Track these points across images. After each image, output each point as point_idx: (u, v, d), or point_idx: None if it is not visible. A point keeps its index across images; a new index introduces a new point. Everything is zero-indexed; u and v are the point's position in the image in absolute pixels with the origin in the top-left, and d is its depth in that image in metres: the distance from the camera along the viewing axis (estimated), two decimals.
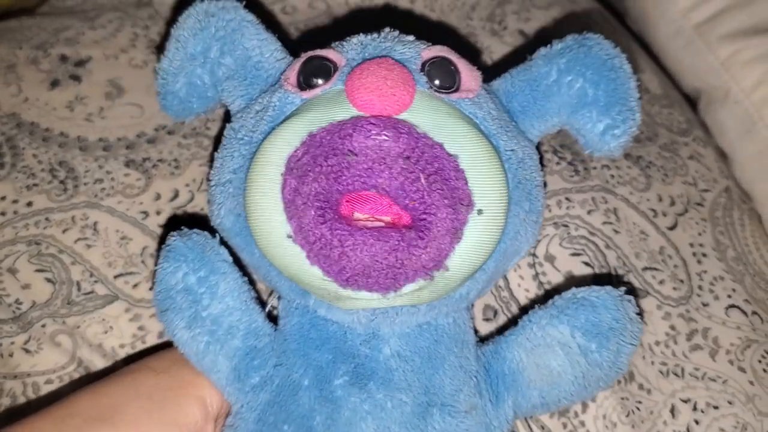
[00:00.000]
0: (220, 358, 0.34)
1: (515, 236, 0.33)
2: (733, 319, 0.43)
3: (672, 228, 0.45)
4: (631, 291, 0.36)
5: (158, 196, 0.44)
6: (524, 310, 0.40)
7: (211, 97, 0.38)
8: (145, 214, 0.43)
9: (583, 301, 0.34)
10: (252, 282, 0.36)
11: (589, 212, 0.44)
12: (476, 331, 0.38)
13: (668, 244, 0.45)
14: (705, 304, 0.43)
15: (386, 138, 0.30)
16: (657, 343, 0.41)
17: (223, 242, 0.35)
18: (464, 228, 0.30)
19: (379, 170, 0.29)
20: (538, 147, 0.37)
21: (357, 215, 0.31)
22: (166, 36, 0.38)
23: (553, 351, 0.34)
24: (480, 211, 0.30)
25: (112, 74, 0.49)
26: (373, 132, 0.30)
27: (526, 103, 0.36)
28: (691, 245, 0.45)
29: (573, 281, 0.42)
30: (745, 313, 0.44)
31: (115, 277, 0.41)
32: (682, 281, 0.44)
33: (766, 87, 0.51)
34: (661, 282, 0.43)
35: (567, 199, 0.44)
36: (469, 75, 0.34)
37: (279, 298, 0.36)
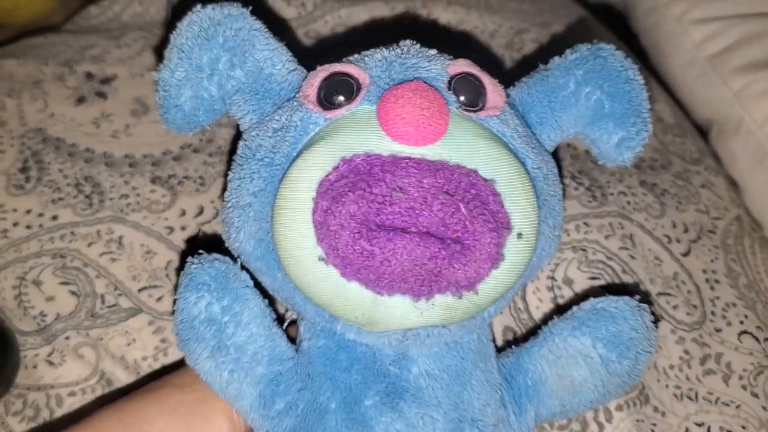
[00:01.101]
0: (245, 386, 0.33)
1: (541, 253, 0.34)
2: (745, 345, 0.44)
3: (686, 254, 0.46)
4: (644, 300, 0.37)
5: (183, 212, 0.44)
6: (543, 320, 0.41)
7: (218, 110, 0.35)
8: (170, 229, 0.44)
9: (602, 312, 0.35)
10: (271, 302, 0.36)
11: (606, 237, 0.45)
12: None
13: (682, 270, 0.46)
14: (718, 330, 0.44)
15: (426, 178, 0.29)
16: (671, 367, 0.42)
17: (242, 265, 0.35)
18: (504, 252, 0.30)
19: (420, 210, 0.29)
20: (555, 157, 0.37)
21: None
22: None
23: (575, 362, 0.35)
24: (520, 235, 0.30)
25: (138, 92, 0.50)
26: (413, 172, 0.29)
27: (544, 114, 0.36)
28: (704, 272, 0.46)
29: (591, 291, 0.43)
30: (757, 339, 0.44)
31: (140, 290, 0.42)
32: (695, 307, 0.44)
33: None
34: (675, 307, 0.44)
35: (585, 224, 0.45)
36: (494, 91, 0.34)
37: (301, 319, 0.36)
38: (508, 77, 0.38)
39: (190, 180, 0.46)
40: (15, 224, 0.44)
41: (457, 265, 0.29)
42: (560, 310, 0.42)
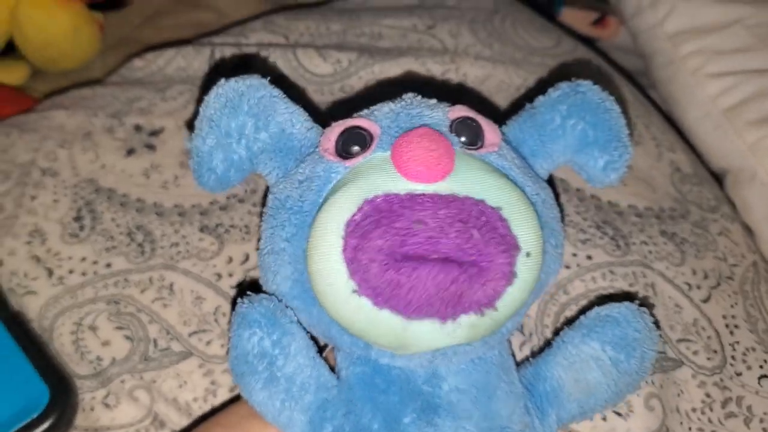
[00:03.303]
0: (295, 414, 0.36)
1: (547, 269, 0.37)
2: (765, 389, 0.46)
3: (705, 301, 0.49)
4: (644, 303, 0.41)
5: (230, 260, 0.47)
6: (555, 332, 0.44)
7: (246, 169, 0.39)
8: (218, 276, 0.46)
9: (607, 317, 0.39)
10: (313, 336, 0.38)
11: (630, 285, 0.47)
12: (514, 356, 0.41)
13: (702, 317, 0.48)
14: (738, 374, 0.46)
15: (441, 208, 0.32)
16: (693, 410, 0.44)
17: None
18: (516, 270, 0.32)
19: (438, 238, 0.32)
20: (551, 185, 0.41)
21: None
22: None
23: (588, 365, 0.38)
24: (528, 254, 0.33)
25: (185, 144, 0.52)
26: (428, 205, 0.32)
27: (535, 147, 0.40)
28: (724, 317, 0.48)
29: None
30: None
31: (190, 334, 0.44)
32: (715, 352, 0.47)
33: None
34: (695, 353, 0.46)
35: (611, 272, 0.47)
36: (490, 130, 0.37)
37: (337, 350, 0.38)
38: (501, 117, 0.42)
39: (236, 228, 0.48)
40: (71, 271, 0.46)
41: (477, 286, 0.32)
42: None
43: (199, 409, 0.43)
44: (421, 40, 0.62)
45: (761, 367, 0.47)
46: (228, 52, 0.59)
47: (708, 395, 0.45)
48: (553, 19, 0.82)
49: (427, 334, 0.33)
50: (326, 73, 0.58)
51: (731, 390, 0.45)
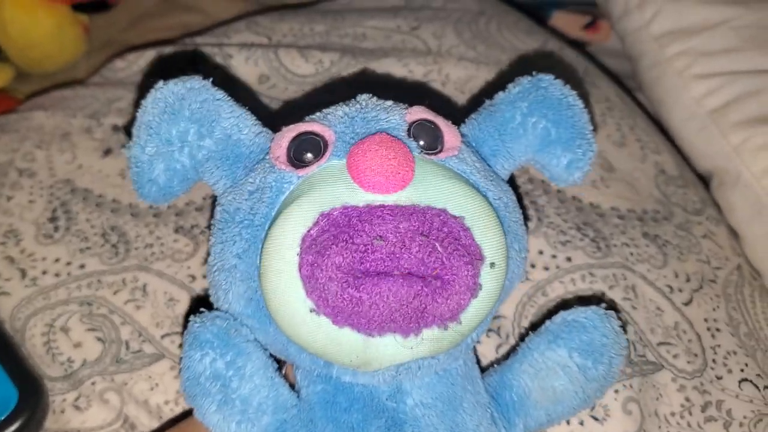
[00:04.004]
0: None
1: (512, 276, 0.36)
2: (746, 392, 0.45)
3: (687, 304, 0.48)
4: (611, 307, 0.40)
5: (205, 261, 0.46)
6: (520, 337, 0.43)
7: (191, 178, 0.37)
8: (192, 277, 0.46)
9: (573, 323, 0.38)
10: (272, 353, 0.37)
11: (610, 287, 0.46)
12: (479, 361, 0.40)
13: (683, 320, 0.47)
14: (719, 377, 0.46)
15: (402, 224, 0.31)
16: (672, 414, 0.43)
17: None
18: (480, 282, 0.31)
19: (400, 254, 0.30)
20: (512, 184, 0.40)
21: None
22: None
23: (555, 373, 0.37)
24: (492, 264, 0.32)
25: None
26: (389, 220, 0.31)
27: (496, 147, 0.39)
28: (706, 320, 0.48)
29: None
30: (757, 387, 0.46)
31: (162, 336, 0.44)
32: (696, 355, 0.46)
33: None
34: (676, 356, 0.45)
35: (590, 274, 0.47)
36: (450, 133, 0.36)
37: (297, 368, 0.37)
38: (460, 114, 0.40)
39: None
40: (44, 272, 0.46)
41: (440, 300, 0.30)
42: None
43: (171, 411, 0.42)
44: (405, 41, 0.61)
45: (742, 370, 0.46)
46: (210, 52, 0.58)
47: (687, 399, 0.44)
48: (544, 23, 0.82)
49: (390, 349, 0.32)
50: (308, 73, 0.58)
51: (711, 394, 0.45)
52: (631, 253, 0.49)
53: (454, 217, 0.31)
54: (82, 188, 0.50)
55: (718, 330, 0.48)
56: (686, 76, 0.60)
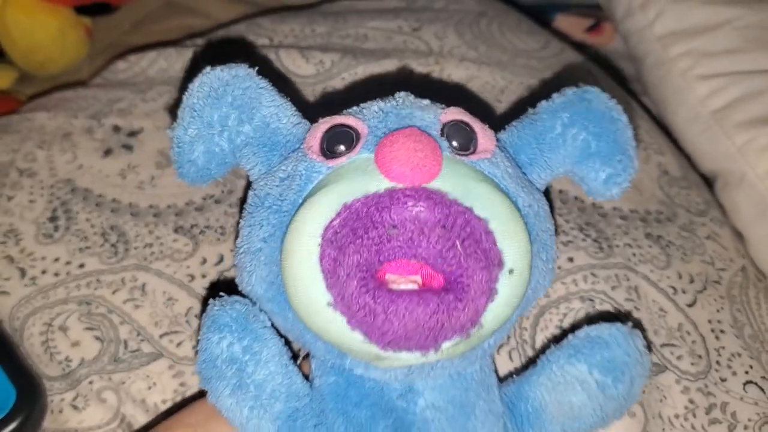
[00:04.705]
0: (263, 422, 0.35)
1: (535, 285, 0.35)
2: (750, 394, 0.45)
3: (691, 305, 0.47)
4: (637, 325, 0.39)
5: (204, 261, 0.46)
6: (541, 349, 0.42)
7: (229, 162, 0.38)
8: (191, 277, 0.46)
9: (597, 339, 0.37)
10: (287, 341, 0.37)
11: (612, 288, 0.46)
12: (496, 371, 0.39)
13: (687, 321, 0.47)
14: (723, 379, 0.45)
15: (422, 209, 0.31)
16: (677, 416, 0.43)
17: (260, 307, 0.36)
18: (497, 287, 0.31)
19: (419, 241, 0.30)
20: (547, 196, 0.39)
21: (389, 276, 0.31)
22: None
23: (573, 388, 0.36)
24: (511, 271, 0.31)
25: (162, 145, 0.52)
26: (410, 203, 0.31)
27: (533, 155, 0.38)
28: (710, 322, 0.47)
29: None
30: (762, 389, 0.45)
31: (161, 336, 0.44)
32: (700, 357, 0.45)
33: None
34: (680, 357, 0.45)
35: (593, 274, 0.46)
36: (484, 135, 0.35)
37: (312, 357, 0.37)
38: (500, 121, 0.40)
39: (211, 229, 0.48)
40: (43, 272, 0.46)
41: (457, 313, 0.30)
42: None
43: (166, 409, 0.42)
44: (406, 41, 0.61)
45: (746, 372, 0.46)
46: (210, 54, 0.58)
47: (691, 401, 0.43)
48: (548, 26, 0.81)
49: (405, 356, 0.32)
50: (309, 74, 0.57)
51: (716, 396, 0.44)
52: (634, 254, 0.48)
53: (479, 218, 0.31)
54: (83, 188, 0.50)
55: (722, 331, 0.47)
56: (690, 77, 0.59)
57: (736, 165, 0.55)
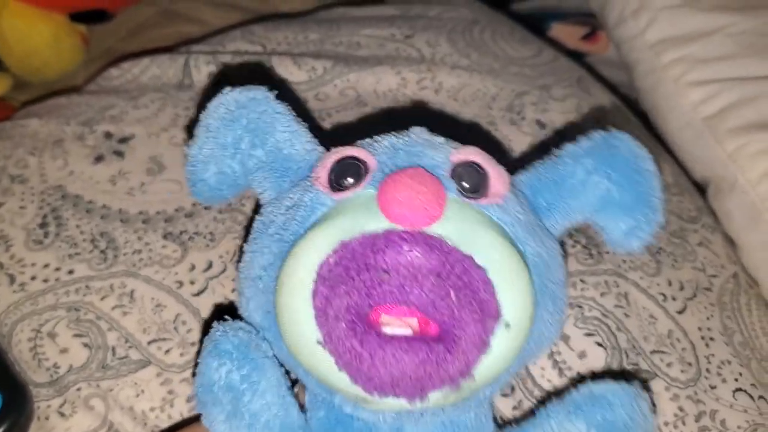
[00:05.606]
0: None
1: (539, 337, 0.34)
2: (740, 402, 0.44)
3: (681, 312, 0.47)
4: (645, 386, 0.37)
5: (193, 267, 0.46)
6: (541, 401, 0.41)
7: (241, 185, 0.38)
8: (180, 283, 0.46)
9: (600, 398, 0.35)
10: (288, 371, 0.36)
11: (602, 294, 0.46)
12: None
13: (677, 328, 0.46)
14: (713, 387, 0.45)
15: (418, 254, 0.30)
16: (666, 424, 0.43)
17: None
18: (491, 340, 0.30)
19: (411, 288, 0.29)
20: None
21: (384, 318, 0.31)
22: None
23: None
24: (507, 325, 0.30)
25: (154, 151, 0.52)
26: (405, 248, 0.30)
27: (552, 200, 0.36)
28: (700, 329, 0.47)
29: (589, 371, 0.43)
30: (751, 397, 0.45)
31: (149, 342, 0.43)
32: (690, 364, 0.45)
33: None
34: (669, 365, 0.45)
35: (581, 281, 0.46)
36: (497, 179, 0.34)
37: (306, 389, 0.37)
38: (520, 161, 0.39)
39: (200, 236, 0.48)
40: (33, 278, 0.46)
41: (445, 365, 0.29)
42: (556, 365, 0.43)
43: (156, 418, 0.42)
44: (399, 49, 0.61)
45: (736, 380, 0.45)
46: (204, 61, 0.58)
47: (681, 408, 0.43)
48: (543, 34, 0.82)
49: (391, 402, 0.31)
50: (300, 80, 0.57)
51: (705, 403, 0.44)
52: (624, 261, 0.48)
53: (478, 266, 0.30)
54: (73, 194, 0.50)
55: (712, 339, 0.47)
56: (682, 84, 0.59)
57: (728, 171, 0.55)
